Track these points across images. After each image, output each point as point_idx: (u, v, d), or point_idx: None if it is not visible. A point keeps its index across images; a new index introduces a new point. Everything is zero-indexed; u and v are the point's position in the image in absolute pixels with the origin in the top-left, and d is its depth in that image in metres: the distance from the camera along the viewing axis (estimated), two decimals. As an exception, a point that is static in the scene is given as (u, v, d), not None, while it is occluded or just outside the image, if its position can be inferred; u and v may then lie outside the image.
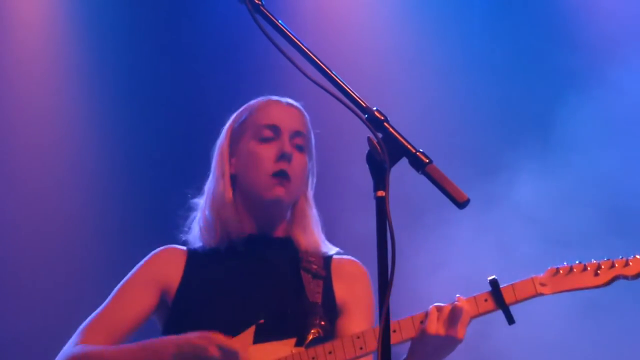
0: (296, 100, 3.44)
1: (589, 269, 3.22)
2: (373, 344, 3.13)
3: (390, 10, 6.10)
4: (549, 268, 3.22)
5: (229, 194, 3.35)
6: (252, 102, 3.46)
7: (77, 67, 5.82)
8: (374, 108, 2.42)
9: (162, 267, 3.36)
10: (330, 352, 3.13)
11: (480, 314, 3.17)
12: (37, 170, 5.49)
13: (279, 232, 3.38)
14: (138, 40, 5.73)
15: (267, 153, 3.31)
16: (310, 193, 3.43)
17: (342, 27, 6.02)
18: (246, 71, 5.72)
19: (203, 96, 5.20)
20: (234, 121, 3.44)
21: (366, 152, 2.40)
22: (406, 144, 2.38)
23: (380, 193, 2.35)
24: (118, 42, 5.75)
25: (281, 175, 3.28)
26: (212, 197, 3.39)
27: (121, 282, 3.38)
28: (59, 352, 3.25)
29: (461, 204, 2.34)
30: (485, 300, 3.16)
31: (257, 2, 2.57)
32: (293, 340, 3.18)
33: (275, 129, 3.33)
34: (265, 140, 3.33)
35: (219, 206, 3.35)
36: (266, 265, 3.34)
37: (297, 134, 3.35)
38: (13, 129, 5.67)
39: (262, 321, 3.17)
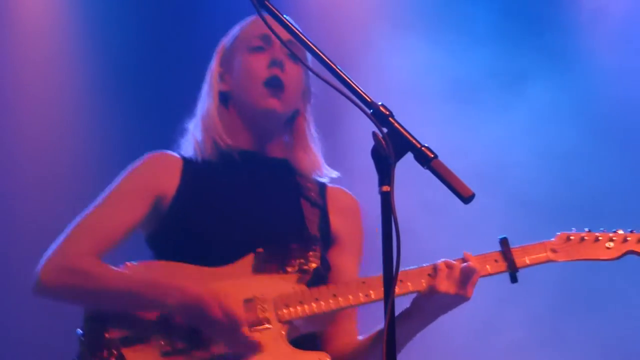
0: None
1: (600, 239, 3.16)
2: (379, 292, 3.02)
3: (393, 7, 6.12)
4: (560, 234, 3.17)
5: (214, 108, 3.26)
6: (242, 20, 3.38)
7: (82, 65, 5.82)
8: (379, 103, 2.42)
9: (157, 173, 3.23)
10: (334, 295, 3.05)
11: (489, 275, 3.11)
12: (40, 168, 5.50)
13: (276, 152, 3.29)
14: (142, 38, 5.74)
15: (258, 61, 3.23)
16: (309, 111, 3.34)
17: (346, 23, 6.03)
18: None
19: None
20: (222, 43, 3.36)
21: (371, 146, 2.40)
22: (411, 138, 2.38)
23: (386, 188, 2.35)
24: (123, 40, 5.76)
25: (275, 83, 3.20)
26: (199, 114, 3.30)
27: (112, 185, 3.22)
28: None
29: (466, 198, 2.34)
30: (496, 260, 3.10)
31: (262, -3, 2.58)
32: (295, 277, 3.09)
33: (266, 37, 3.24)
34: (256, 49, 3.25)
35: (207, 123, 3.27)
36: (265, 187, 3.25)
37: (288, 41, 3.14)
38: (18, 127, 5.69)
39: (260, 250, 3.09)
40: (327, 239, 3.25)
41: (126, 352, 3.00)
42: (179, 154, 3.29)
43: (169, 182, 3.20)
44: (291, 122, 3.31)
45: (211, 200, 3.19)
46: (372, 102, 2.42)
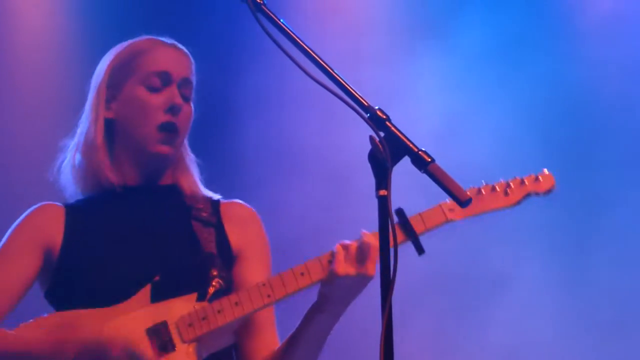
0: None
1: (498, 189, 3.02)
2: (280, 291, 2.94)
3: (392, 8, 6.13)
4: None
5: (100, 140, 3.12)
6: (136, 40, 3.22)
7: (78, 65, 5.81)
8: (376, 107, 2.42)
9: (41, 226, 3.11)
10: (236, 304, 2.94)
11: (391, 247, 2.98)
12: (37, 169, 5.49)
13: (164, 180, 3.18)
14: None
15: (155, 102, 3.10)
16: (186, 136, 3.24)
17: (344, 25, 6.04)
18: (246, 69, 5.73)
19: (205, 95, 5.22)
20: (114, 60, 3.19)
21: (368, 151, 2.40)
22: (408, 142, 2.38)
23: (382, 192, 2.36)
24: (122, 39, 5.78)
25: (169, 129, 3.09)
26: (83, 141, 3.16)
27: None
28: None
29: (463, 202, 2.34)
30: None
31: (258, 1, 2.58)
32: (194, 296, 2.98)
33: (165, 76, 3.12)
34: (153, 89, 3.11)
35: (90, 152, 3.13)
36: (154, 216, 3.14)
37: (185, 81, 3.14)
38: (14, 125, 5.70)
39: (157, 278, 2.99)
40: (228, 256, 3.15)
41: None
42: (62, 202, 3.19)
43: (54, 234, 3.11)
44: None
45: (98, 243, 3.10)
46: (369, 106, 2.42)
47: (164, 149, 3.10)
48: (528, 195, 3.03)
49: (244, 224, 3.22)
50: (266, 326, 3.16)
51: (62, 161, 3.22)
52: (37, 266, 3.08)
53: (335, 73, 2.47)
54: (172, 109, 3.09)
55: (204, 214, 3.17)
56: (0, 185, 5.52)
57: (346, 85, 2.45)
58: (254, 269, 3.16)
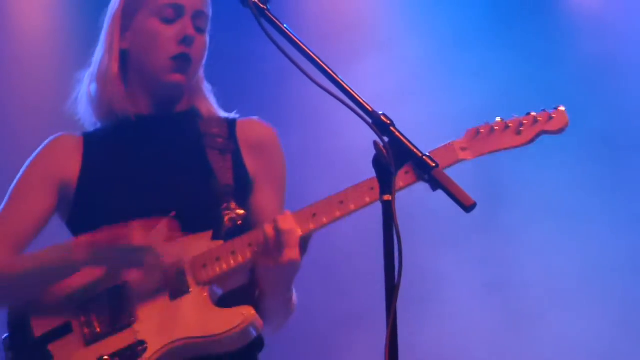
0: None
1: (510, 126, 2.93)
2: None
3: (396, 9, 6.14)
4: (468, 129, 2.93)
5: (115, 68, 3.13)
6: None
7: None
8: (380, 112, 2.42)
9: (57, 159, 3.13)
10: (249, 244, 2.92)
11: (401, 189, 2.78)
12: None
13: (180, 107, 3.18)
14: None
15: (168, 33, 3.10)
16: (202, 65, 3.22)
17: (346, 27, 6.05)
18: (250, 72, 5.73)
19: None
20: None
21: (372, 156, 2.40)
22: (412, 148, 2.38)
23: (387, 197, 2.36)
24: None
25: (182, 59, 3.09)
26: (97, 70, 3.17)
27: (15, 182, 3.14)
28: None
29: (468, 207, 2.34)
30: (406, 172, 2.78)
31: (262, 6, 2.58)
32: (209, 234, 2.97)
33: (178, 7, 3.11)
34: (166, 20, 3.11)
35: (105, 81, 3.14)
36: (169, 146, 3.14)
37: (199, 13, 3.14)
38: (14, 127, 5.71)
39: (173, 213, 2.96)
40: (245, 182, 3.13)
41: (53, 348, 2.96)
42: (81, 131, 3.19)
43: (71, 166, 3.12)
44: None
45: (114, 175, 3.10)
46: (373, 111, 2.42)
47: (177, 77, 3.10)
48: (540, 133, 2.94)
49: (261, 147, 3.19)
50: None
51: (79, 92, 3.22)
52: (52, 201, 3.10)
53: (339, 78, 2.47)
54: (185, 40, 3.10)
55: (220, 140, 3.15)
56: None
57: (350, 91, 2.46)
58: (268, 197, 3.14)
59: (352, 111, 2.42)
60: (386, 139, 2.39)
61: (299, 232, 2.88)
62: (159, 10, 3.12)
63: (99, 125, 3.19)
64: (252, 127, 3.21)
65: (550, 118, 2.93)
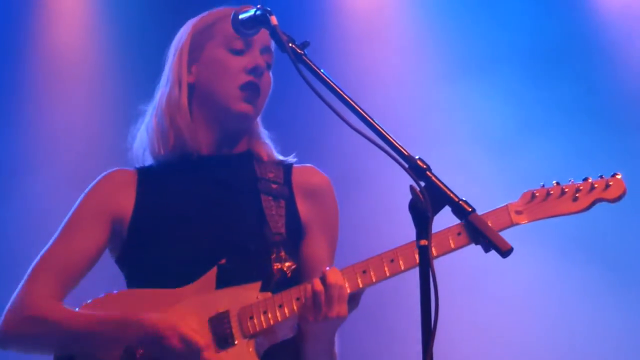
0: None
1: (566, 192, 2.91)
2: None
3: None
4: (524, 192, 2.92)
5: (185, 100, 3.11)
6: (220, 8, 3.22)
7: (121, 65, 5.90)
8: (417, 157, 2.43)
9: (111, 193, 3.11)
10: (297, 299, 2.91)
11: (453, 250, 2.84)
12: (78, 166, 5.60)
13: (239, 148, 3.17)
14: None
15: (237, 63, 3.10)
16: None
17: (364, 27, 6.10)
18: (286, 116, 5.75)
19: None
20: (196, 25, 3.20)
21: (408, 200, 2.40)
22: (449, 192, 2.39)
23: (423, 242, 2.36)
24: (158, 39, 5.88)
25: (252, 88, 3.09)
26: (166, 102, 3.14)
27: (68, 215, 3.11)
28: None
29: (504, 252, 2.34)
30: (459, 234, 2.81)
31: (299, 52, 2.61)
32: (258, 285, 2.95)
33: (247, 40, 3.10)
34: (235, 52, 3.11)
35: (173, 112, 3.12)
36: (223, 189, 3.11)
37: (267, 49, 3.14)
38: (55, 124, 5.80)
39: (223, 261, 2.95)
40: (297, 231, 3.11)
41: None
42: (134, 166, 3.19)
43: (125, 201, 3.10)
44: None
45: (169, 215, 3.08)
46: (410, 155, 2.44)
47: (246, 107, 3.09)
48: (597, 201, 2.92)
49: (316, 194, 3.18)
50: None
51: (140, 124, 3.21)
52: (104, 238, 3.08)
53: (375, 123, 2.49)
54: (255, 70, 3.10)
55: (274, 186, 3.13)
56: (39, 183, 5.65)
57: (386, 135, 2.47)
58: (319, 245, 3.13)
59: (388, 155, 2.43)
60: (422, 183, 2.39)
61: (347, 289, 2.88)
62: (228, 42, 3.12)
63: (150, 161, 3.18)
64: (307, 174, 3.21)
65: (608, 186, 2.91)
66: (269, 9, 2.73)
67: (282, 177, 3.16)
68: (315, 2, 6.18)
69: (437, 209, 2.37)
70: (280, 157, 3.20)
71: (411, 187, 2.38)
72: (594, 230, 5.64)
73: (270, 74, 3.18)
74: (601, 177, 2.93)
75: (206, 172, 3.12)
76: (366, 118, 2.49)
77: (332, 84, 2.57)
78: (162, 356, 2.88)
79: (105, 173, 3.18)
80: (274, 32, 2.66)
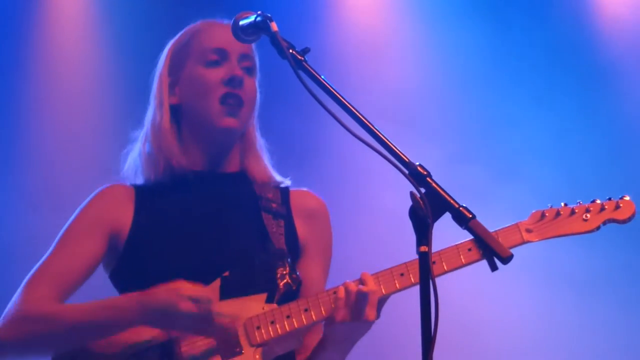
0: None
1: (576, 212, 2.98)
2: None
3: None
4: (534, 212, 2.99)
5: (167, 124, 3.12)
6: (193, 25, 3.23)
7: (121, 64, 5.89)
8: (417, 163, 2.42)
9: (109, 208, 3.10)
10: (306, 310, 2.94)
11: (464, 266, 2.93)
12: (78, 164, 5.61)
13: (232, 167, 3.18)
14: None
15: (214, 76, 3.10)
16: (256, 118, 3.22)
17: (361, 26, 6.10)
18: (285, 120, 5.75)
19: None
20: (173, 46, 3.22)
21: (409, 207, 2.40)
22: (449, 198, 2.38)
23: (423, 248, 2.35)
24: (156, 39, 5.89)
25: (232, 101, 3.08)
26: (151, 128, 3.16)
27: (64, 227, 3.10)
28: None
29: (505, 259, 2.33)
30: (469, 249, 2.93)
31: (300, 58, 2.60)
32: (263, 296, 2.97)
33: (222, 52, 3.12)
34: (211, 64, 3.12)
35: (159, 137, 3.13)
36: (223, 204, 3.12)
37: (244, 57, 3.15)
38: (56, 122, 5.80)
39: (226, 274, 2.95)
40: (295, 250, 3.14)
41: None
42: (131, 182, 3.18)
43: (122, 217, 3.09)
44: (242, 133, 3.21)
45: (168, 231, 3.08)
46: (410, 162, 2.43)
47: (229, 121, 3.09)
48: (607, 222, 2.99)
49: (313, 217, 3.22)
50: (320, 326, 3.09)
51: (130, 150, 3.22)
52: (102, 250, 3.06)
53: (376, 129, 2.48)
54: (232, 81, 3.10)
55: (274, 205, 3.16)
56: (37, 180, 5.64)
57: (386, 141, 2.46)
58: (314, 267, 3.16)
59: (388, 161, 2.42)
60: (423, 190, 2.38)
61: (382, 292, 2.93)
62: (203, 56, 3.14)
63: (142, 180, 3.18)
64: (305, 197, 3.25)
65: (618, 207, 2.99)
66: (269, 15, 2.72)
67: (280, 198, 3.20)
68: (316, 8, 6.18)
69: (437, 215, 2.36)
70: (276, 177, 3.22)
71: (411, 194, 2.37)
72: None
73: (255, 79, 3.18)
74: (609, 199, 3.00)
75: (205, 188, 3.13)
76: (366, 124, 2.49)
77: (332, 90, 2.56)
78: (169, 326, 2.86)
79: (102, 187, 3.18)
80: (274, 39, 2.66)
